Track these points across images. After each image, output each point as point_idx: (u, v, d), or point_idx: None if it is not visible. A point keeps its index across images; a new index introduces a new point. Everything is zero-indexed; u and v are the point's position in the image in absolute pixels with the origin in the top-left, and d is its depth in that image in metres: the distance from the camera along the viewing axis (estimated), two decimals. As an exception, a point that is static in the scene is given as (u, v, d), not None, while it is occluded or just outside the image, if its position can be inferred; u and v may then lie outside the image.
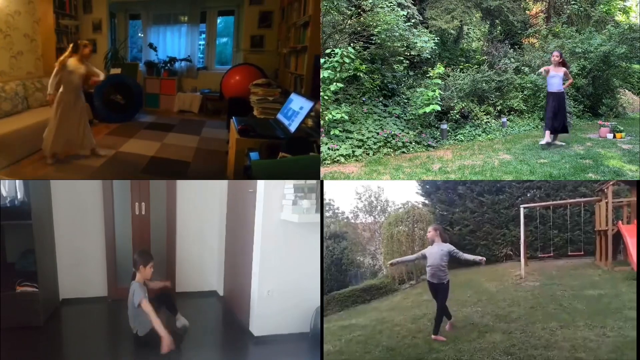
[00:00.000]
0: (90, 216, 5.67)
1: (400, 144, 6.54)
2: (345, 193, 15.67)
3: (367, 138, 6.40)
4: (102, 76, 5.89)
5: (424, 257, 4.06)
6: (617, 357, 3.27)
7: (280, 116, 5.26)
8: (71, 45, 5.52)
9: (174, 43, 10.54)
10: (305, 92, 6.33)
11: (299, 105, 4.92)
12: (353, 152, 6.19)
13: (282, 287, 4.78)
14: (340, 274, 10.68)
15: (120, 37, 10.53)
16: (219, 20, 10.35)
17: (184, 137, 7.89)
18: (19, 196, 4.86)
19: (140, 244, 5.69)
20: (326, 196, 12.64)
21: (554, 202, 7.59)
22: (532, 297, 5.25)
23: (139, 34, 10.91)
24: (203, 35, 10.53)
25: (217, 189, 6.09)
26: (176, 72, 10.41)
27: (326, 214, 12.61)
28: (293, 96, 5.35)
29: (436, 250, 3.99)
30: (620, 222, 6.15)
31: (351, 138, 6.32)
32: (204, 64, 10.65)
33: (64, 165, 5.70)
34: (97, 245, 5.70)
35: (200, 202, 6.09)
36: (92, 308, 5.49)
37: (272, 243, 4.71)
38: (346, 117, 6.26)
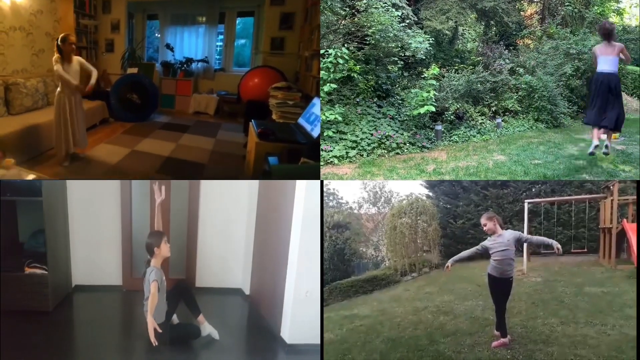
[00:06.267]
0: (106, 199, 5.24)
1: (394, 145, 6.47)
2: (350, 183, 15.68)
3: (361, 139, 6.32)
4: (94, 73, 5.72)
5: (485, 249, 3.61)
6: (617, 355, 3.25)
7: (302, 120, 5.16)
8: (55, 45, 5.35)
9: (191, 44, 10.49)
10: (327, 96, 6.25)
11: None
12: (347, 153, 6.07)
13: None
14: (343, 264, 10.59)
15: (138, 37, 10.58)
16: (237, 21, 10.25)
17: (199, 138, 7.83)
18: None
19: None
20: (331, 186, 12.49)
21: (559, 198, 7.51)
22: (534, 292, 5.23)
23: (156, 34, 10.93)
24: (221, 37, 10.42)
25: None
26: (192, 73, 10.37)
27: (330, 204, 12.50)
28: (316, 100, 5.23)
29: (502, 241, 3.50)
30: (625, 220, 6.10)
31: (345, 139, 6.22)
32: (221, 65, 10.57)
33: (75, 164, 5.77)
34: (113, 230, 5.27)
35: (226, 190, 5.45)
36: (105, 296, 5.15)
37: (312, 238, 4.09)
38: (340, 118, 6.16)
